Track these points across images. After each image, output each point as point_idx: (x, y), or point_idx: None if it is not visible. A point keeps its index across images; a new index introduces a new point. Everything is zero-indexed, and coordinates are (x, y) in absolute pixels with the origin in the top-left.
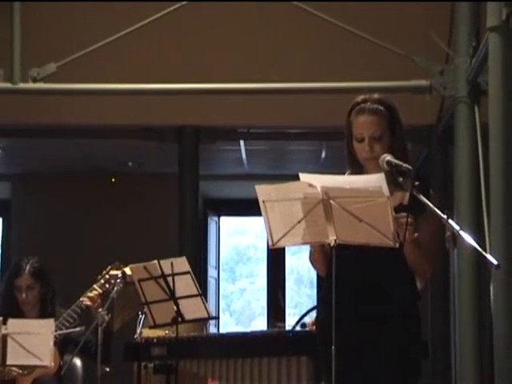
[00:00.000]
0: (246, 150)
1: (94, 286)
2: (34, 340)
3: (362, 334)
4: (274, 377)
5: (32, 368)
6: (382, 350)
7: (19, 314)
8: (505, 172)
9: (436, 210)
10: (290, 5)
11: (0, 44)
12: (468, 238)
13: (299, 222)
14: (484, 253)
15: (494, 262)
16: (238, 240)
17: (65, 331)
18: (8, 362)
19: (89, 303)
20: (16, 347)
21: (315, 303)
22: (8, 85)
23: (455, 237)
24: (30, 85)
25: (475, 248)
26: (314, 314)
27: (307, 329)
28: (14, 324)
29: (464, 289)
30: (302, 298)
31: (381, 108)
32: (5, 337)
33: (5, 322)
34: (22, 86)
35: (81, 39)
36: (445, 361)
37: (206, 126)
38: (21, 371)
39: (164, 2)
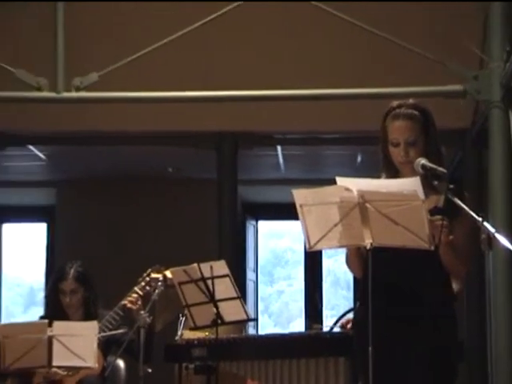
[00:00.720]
0: (282, 155)
1: (135, 288)
2: (79, 342)
3: (393, 336)
4: (312, 377)
5: (77, 369)
6: (413, 351)
7: (64, 316)
8: None
9: (471, 212)
10: (328, 14)
11: (44, 54)
12: (503, 240)
13: (336, 225)
14: None
15: None
16: (276, 243)
17: (108, 333)
18: (53, 364)
19: (130, 305)
20: (61, 349)
21: (352, 305)
22: (52, 94)
23: (490, 239)
24: (73, 94)
25: (510, 250)
26: (350, 315)
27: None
28: (59, 326)
29: (499, 290)
30: (338, 300)
31: (415, 113)
32: (50, 339)
33: (50, 325)
34: (65, 95)
35: (122, 48)
36: (481, 362)
37: (244, 132)
38: (65, 372)
39: (200, 12)
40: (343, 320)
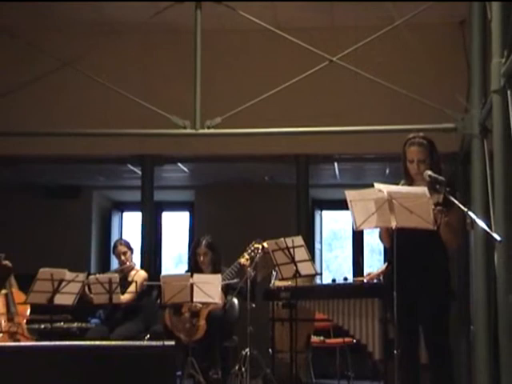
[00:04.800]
0: (338, 169)
1: (244, 253)
2: (209, 287)
3: (411, 283)
4: (357, 311)
5: (208, 304)
6: (425, 289)
7: (200, 271)
8: (504, 182)
9: (460, 205)
10: (368, 80)
11: (187, 105)
12: (481, 223)
13: (373, 213)
14: (491, 232)
15: (498, 238)
16: (334, 225)
17: (227, 281)
18: (194, 300)
19: (242, 264)
20: (198, 291)
21: (382, 265)
22: (192, 131)
23: (472, 223)
24: (206, 131)
25: (485, 229)
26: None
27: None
28: (197, 277)
29: (478, 256)
30: (374, 262)
31: (424, 142)
32: (192, 285)
33: (191, 276)
34: (200, 131)
35: (235, 98)
36: (466, 300)
37: (313, 154)
38: (201, 305)
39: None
40: (369, 276)
